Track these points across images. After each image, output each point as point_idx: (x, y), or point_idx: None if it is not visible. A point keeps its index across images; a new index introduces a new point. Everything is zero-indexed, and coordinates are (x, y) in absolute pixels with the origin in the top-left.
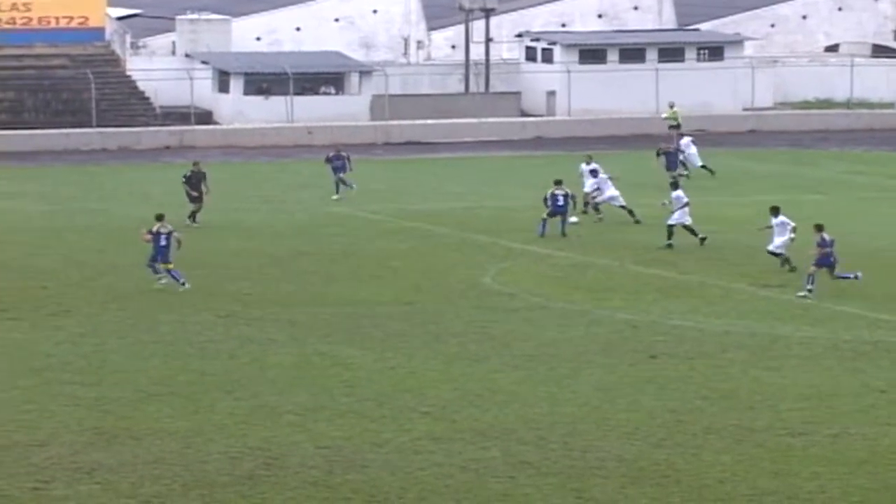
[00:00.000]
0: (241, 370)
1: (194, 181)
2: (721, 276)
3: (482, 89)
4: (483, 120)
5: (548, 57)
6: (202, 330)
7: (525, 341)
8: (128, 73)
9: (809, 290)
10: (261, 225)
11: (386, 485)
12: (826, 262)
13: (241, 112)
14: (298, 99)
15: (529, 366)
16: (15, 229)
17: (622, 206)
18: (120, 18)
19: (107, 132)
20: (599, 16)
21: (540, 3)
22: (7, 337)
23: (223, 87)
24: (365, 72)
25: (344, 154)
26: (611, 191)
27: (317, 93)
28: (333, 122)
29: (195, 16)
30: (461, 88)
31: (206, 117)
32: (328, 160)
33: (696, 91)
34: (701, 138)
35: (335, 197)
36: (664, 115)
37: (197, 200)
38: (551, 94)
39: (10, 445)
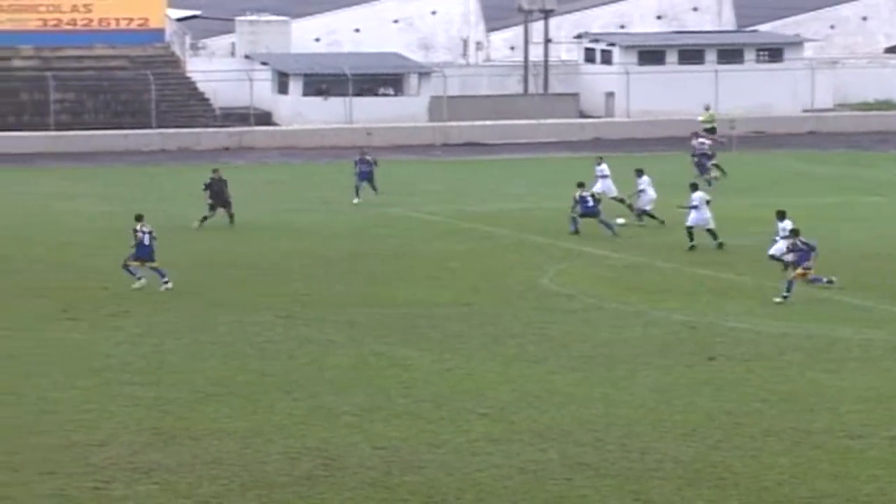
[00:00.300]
0: (300, 371)
1: (215, 188)
2: (778, 278)
3: (541, 90)
4: (542, 121)
5: (607, 58)
6: (261, 330)
7: (582, 342)
8: (187, 74)
9: (784, 297)
10: (319, 226)
11: (443, 486)
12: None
13: (301, 113)
14: (357, 100)
15: (587, 367)
16: (75, 230)
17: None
18: (180, 20)
19: (166, 133)
20: (659, 17)
21: (599, 5)
22: (67, 337)
23: (282, 89)
24: (424, 73)
25: (369, 158)
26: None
27: (376, 94)
28: (392, 124)
29: (255, 17)
30: (520, 90)
31: (265, 118)
32: (355, 164)
33: (756, 92)
34: (760, 140)
35: (355, 201)
36: (700, 118)
37: (214, 209)
38: (610, 95)
39: (70, 445)
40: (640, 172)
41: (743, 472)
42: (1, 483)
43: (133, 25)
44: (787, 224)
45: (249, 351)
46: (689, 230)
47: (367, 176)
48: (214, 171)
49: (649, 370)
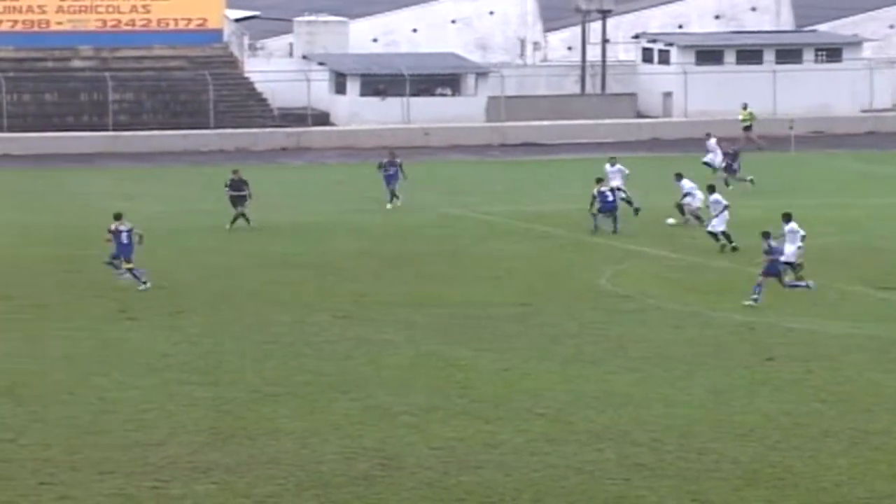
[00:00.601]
0: (357, 371)
1: (235, 188)
2: (837, 279)
3: (598, 91)
4: (599, 121)
5: (664, 58)
6: (318, 330)
7: (640, 343)
8: (245, 74)
9: (755, 300)
10: (376, 226)
11: (501, 486)
12: (773, 270)
13: (358, 113)
14: (414, 100)
15: (644, 368)
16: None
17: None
18: (238, 20)
19: (224, 133)
20: (717, 17)
21: (657, 5)
22: (125, 337)
23: (340, 89)
24: (481, 73)
25: (398, 161)
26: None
27: (433, 94)
28: (449, 124)
29: (313, 17)
30: (577, 90)
31: (322, 118)
32: (381, 167)
33: (814, 92)
34: (819, 140)
35: (389, 206)
36: (739, 117)
37: (238, 205)
38: (668, 95)
39: (130, 445)
40: (679, 176)
41: (801, 473)
42: (61, 482)
43: (192, 26)
44: (794, 226)
45: (307, 351)
46: (713, 235)
47: (394, 178)
48: (234, 171)
49: (707, 371)
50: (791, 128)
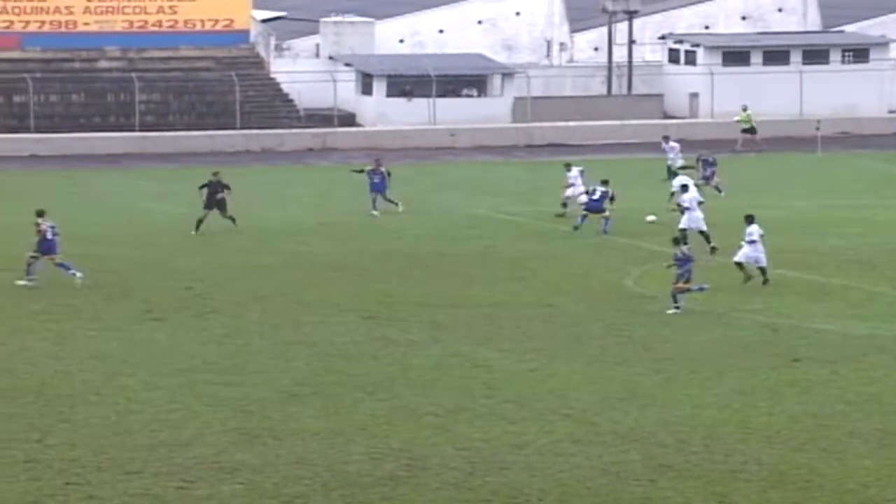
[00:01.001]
0: (383, 371)
1: (210, 190)
2: (864, 280)
3: (625, 91)
4: (625, 122)
5: (691, 59)
6: (345, 331)
7: (665, 344)
8: (272, 75)
9: (678, 308)
10: (402, 227)
11: (526, 487)
12: (687, 275)
13: (384, 114)
14: (441, 101)
15: (670, 369)
16: (160, 230)
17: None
18: (265, 21)
19: (250, 134)
20: (743, 18)
21: (684, 5)
22: (152, 337)
23: (366, 90)
24: (507, 74)
25: (383, 169)
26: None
27: (459, 95)
28: (475, 125)
29: (339, 18)
30: (603, 90)
31: (348, 119)
32: (361, 171)
33: (841, 93)
34: (845, 140)
35: (374, 213)
36: (736, 118)
37: (208, 209)
38: (694, 96)
39: (156, 445)
40: (674, 175)
41: (828, 475)
42: (87, 482)
43: (218, 27)
44: (755, 229)
45: (333, 351)
46: (683, 232)
47: (380, 188)
48: (214, 173)
49: (733, 372)
50: (818, 129)
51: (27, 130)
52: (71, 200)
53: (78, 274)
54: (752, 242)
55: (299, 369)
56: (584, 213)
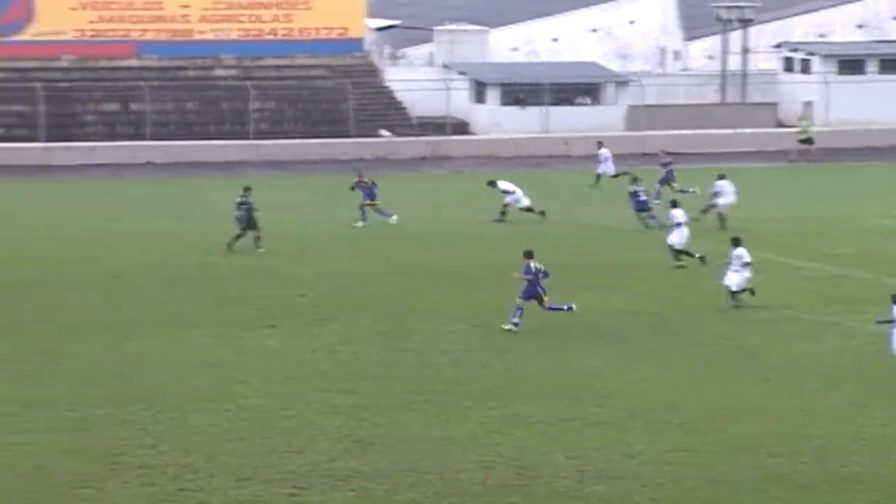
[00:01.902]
0: (493, 379)
1: (245, 207)
2: None
3: (739, 100)
4: (739, 130)
5: (805, 67)
6: (455, 339)
7: (776, 354)
8: (385, 83)
9: (515, 324)
10: (511, 235)
11: (637, 496)
12: (532, 292)
13: (497, 122)
14: (554, 109)
15: (781, 378)
16: (273, 238)
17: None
18: (379, 29)
19: (364, 142)
20: (859, 26)
21: (799, 14)
22: (265, 344)
23: (479, 98)
24: (621, 82)
25: (367, 181)
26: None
27: (572, 103)
28: (589, 133)
29: (453, 27)
30: (717, 99)
31: (460, 128)
32: (352, 188)
33: None
34: None
35: (360, 224)
36: (795, 129)
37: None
38: (808, 104)
39: (268, 452)
40: (720, 177)
41: None
42: (200, 488)
43: (333, 35)
44: (741, 252)
45: (444, 359)
46: (672, 249)
47: (368, 196)
48: (246, 188)
49: (846, 382)
50: None
51: (143, 138)
52: (186, 208)
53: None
54: (747, 265)
55: (410, 377)
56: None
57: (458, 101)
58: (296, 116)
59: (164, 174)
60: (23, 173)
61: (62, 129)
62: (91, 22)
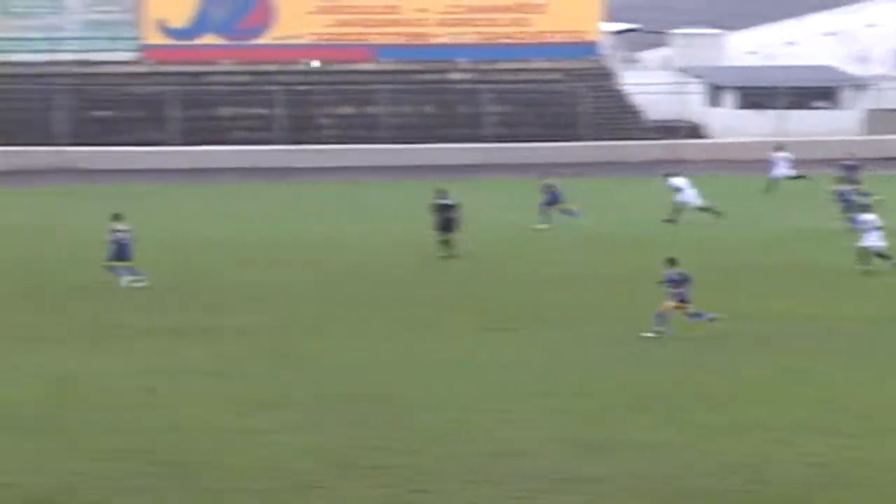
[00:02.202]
0: (721, 384)
1: (444, 211)
2: None
3: None
4: None
5: None
6: (681, 344)
7: None
8: (619, 87)
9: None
10: (726, 238)
11: None
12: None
13: (732, 126)
14: (789, 113)
15: None
16: (495, 240)
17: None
18: (616, 33)
19: (598, 146)
20: None
21: None
22: (489, 348)
23: (715, 101)
24: (858, 86)
25: (551, 183)
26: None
27: (808, 107)
28: (825, 137)
29: (690, 31)
30: None
31: (693, 131)
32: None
33: None
34: None
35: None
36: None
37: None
38: None
39: (498, 454)
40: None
41: None
42: (424, 490)
43: (568, 39)
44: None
45: (669, 361)
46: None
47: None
48: (440, 191)
49: None
50: None
51: (377, 141)
52: (414, 210)
53: (142, 283)
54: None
55: (642, 382)
56: None
57: (691, 105)
58: (529, 120)
59: (399, 177)
60: (263, 176)
61: (300, 132)
62: (328, 26)
